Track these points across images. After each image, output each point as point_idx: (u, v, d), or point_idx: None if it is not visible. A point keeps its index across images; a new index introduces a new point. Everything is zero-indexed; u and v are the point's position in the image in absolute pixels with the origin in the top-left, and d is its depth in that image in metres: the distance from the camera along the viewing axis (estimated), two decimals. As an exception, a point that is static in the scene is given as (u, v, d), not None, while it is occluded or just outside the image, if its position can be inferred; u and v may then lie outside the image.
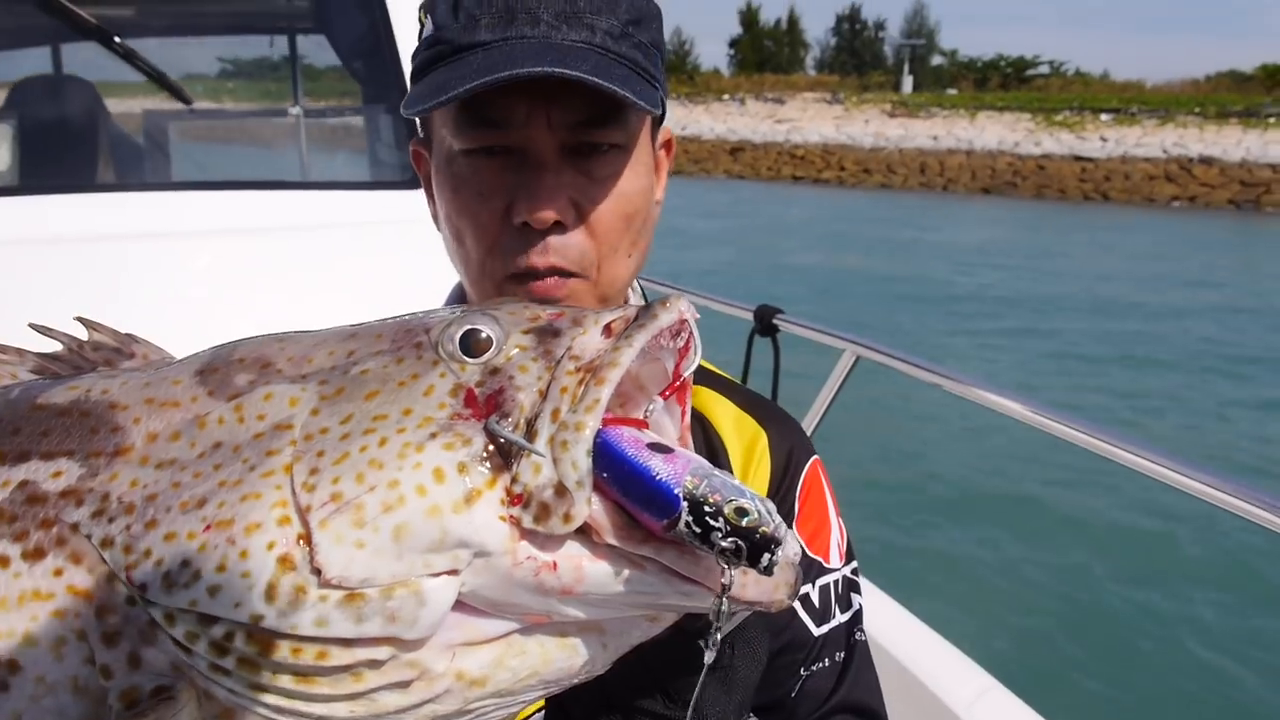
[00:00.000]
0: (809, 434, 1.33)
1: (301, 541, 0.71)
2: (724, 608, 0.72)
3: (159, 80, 3.37)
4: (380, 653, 0.71)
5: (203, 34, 4.38)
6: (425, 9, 1.10)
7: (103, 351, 0.92)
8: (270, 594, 0.70)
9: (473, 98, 0.99)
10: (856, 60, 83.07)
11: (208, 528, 0.72)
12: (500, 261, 1.07)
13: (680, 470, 0.71)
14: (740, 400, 1.24)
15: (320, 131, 4.22)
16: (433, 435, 0.73)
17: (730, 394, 1.24)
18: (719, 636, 0.74)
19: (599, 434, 0.73)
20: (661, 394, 0.80)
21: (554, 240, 1.05)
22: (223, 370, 0.82)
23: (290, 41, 4.16)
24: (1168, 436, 10.04)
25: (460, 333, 0.78)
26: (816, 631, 1.17)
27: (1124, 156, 42.00)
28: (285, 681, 0.71)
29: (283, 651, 0.70)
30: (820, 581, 1.19)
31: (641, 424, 0.79)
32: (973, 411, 2.84)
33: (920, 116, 49.69)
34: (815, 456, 1.24)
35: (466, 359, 0.78)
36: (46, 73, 3.82)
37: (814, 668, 1.18)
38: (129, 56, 3.25)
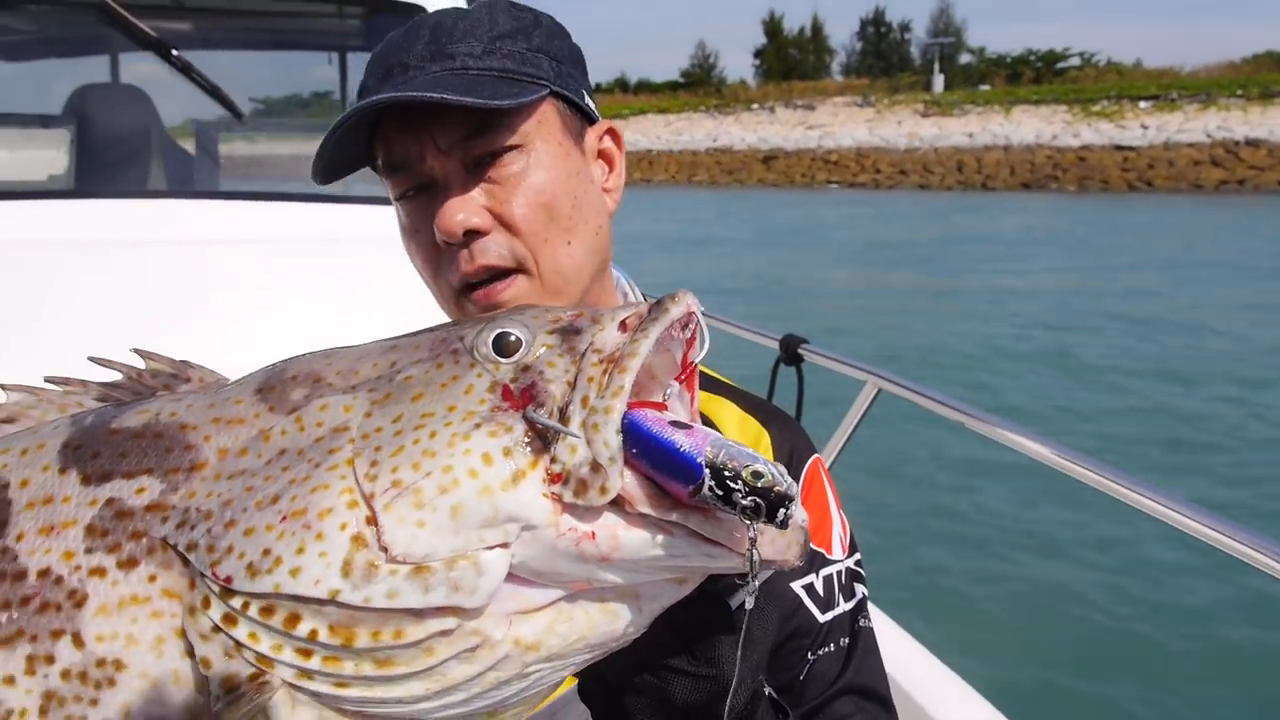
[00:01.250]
0: (829, 463, 1.39)
1: (369, 523, 0.78)
2: (754, 558, 0.79)
3: (213, 94, 3.44)
4: (447, 623, 0.78)
5: (256, 49, 4.46)
6: None
7: (161, 378, 0.99)
8: (346, 569, 0.78)
9: (384, 151, 1.18)
10: (883, 63, 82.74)
11: (284, 518, 0.80)
12: (444, 281, 1.19)
13: (701, 442, 0.79)
14: (743, 403, 1.31)
15: None
16: (477, 425, 0.82)
17: (733, 397, 1.32)
18: (756, 584, 0.83)
19: (625, 414, 0.81)
20: (676, 379, 0.89)
21: (476, 246, 1.15)
22: (279, 387, 0.90)
23: (341, 59, 4.25)
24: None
25: (492, 336, 0.87)
26: (822, 618, 1.24)
27: (1166, 143, 41.36)
28: (367, 669, 0.79)
29: (363, 637, 0.78)
30: (824, 571, 1.26)
31: (661, 406, 0.87)
32: (992, 446, 2.82)
33: (954, 114, 49.34)
34: (816, 454, 1.31)
35: (499, 359, 0.86)
36: (105, 81, 3.93)
37: (820, 652, 1.24)
38: (186, 70, 3.32)
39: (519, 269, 1.17)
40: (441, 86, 1.11)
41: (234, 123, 3.73)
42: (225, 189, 3.89)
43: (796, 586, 1.23)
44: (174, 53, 3.33)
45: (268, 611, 0.79)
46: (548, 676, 0.84)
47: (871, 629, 1.31)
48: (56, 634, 0.83)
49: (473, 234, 1.15)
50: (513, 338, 0.87)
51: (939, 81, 63.38)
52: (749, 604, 0.87)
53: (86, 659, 0.82)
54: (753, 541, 0.79)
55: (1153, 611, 6.89)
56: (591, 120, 1.27)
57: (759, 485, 0.76)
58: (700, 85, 74.73)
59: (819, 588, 1.25)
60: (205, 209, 3.27)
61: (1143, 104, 45.27)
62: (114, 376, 1.00)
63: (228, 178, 4.05)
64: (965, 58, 73.66)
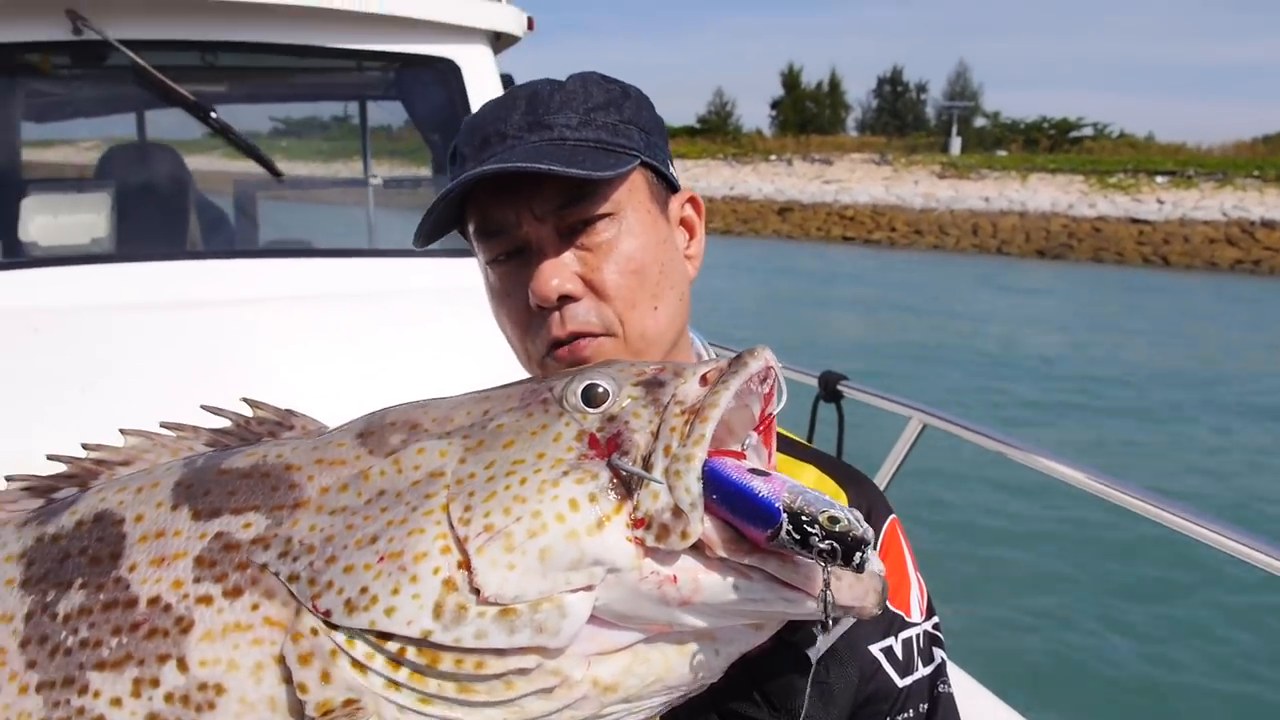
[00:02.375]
0: None
1: (461, 567, 0.83)
2: (830, 599, 0.81)
3: (251, 153, 3.47)
4: (528, 661, 0.82)
5: (285, 100, 4.47)
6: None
7: (266, 425, 1.04)
8: (438, 612, 0.82)
9: (479, 218, 1.21)
10: (898, 121, 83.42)
11: (381, 559, 0.85)
12: (533, 342, 1.21)
13: (778, 488, 0.81)
14: (819, 463, 1.33)
15: (397, 198, 4.34)
16: (565, 472, 0.86)
17: (809, 458, 1.33)
18: (834, 628, 0.85)
19: (706, 463, 0.85)
20: (755, 429, 0.93)
21: (568, 311, 1.18)
22: (379, 432, 0.96)
23: (361, 110, 4.35)
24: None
25: (581, 387, 0.91)
26: (900, 683, 1.23)
27: (1182, 219, 41.37)
28: (449, 690, 0.83)
29: (447, 662, 0.82)
30: (903, 635, 1.25)
31: (740, 455, 0.90)
32: (1037, 479, 2.88)
33: (971, 178, 49.56)
34: (893, 515, 1.31)
35: (587, 409, 0.91)
36: (133, 139, 4.04)
37: (899, 718, 1.23)
38: (224, 131, 3.37)
39: (606, 333, 1.19)
40: (544, 157, 1.14)
41: (272, 182, 3.75)
42: (263, 247, 3.97)
43: (875, 650, 1.22)
44: (212, 114, 3.37)
45: (364, 634, 0.84)
46: (623, 718, 0.87)
47: (951, 694, 1.30)
48: (163, 658, 0.87)
49: (565, 299, 1.18)
50: (600, 389, 0.91)
51: (956, 144, 63.84)
52: (822, 643, 0.90)
53: (189, 683, 0.86)
54: (827, 584, 0.81)
55: (1204, 640, 6.69)
56: (674, 188, 1.31)
57: (835, 530, 0.78)
58: (717, 132, 75.29)
59: (898, 651, 1.24)
60: (243, 268, 3.31)
61: (1159, 179, 45.42)
62: (223, 423, 1.04)
63: (265, 233, 4.08)
64: (980, 121, 74.28)
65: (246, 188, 3.90)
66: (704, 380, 0.91)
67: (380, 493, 0.89)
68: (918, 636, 1.27)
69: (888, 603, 1.21)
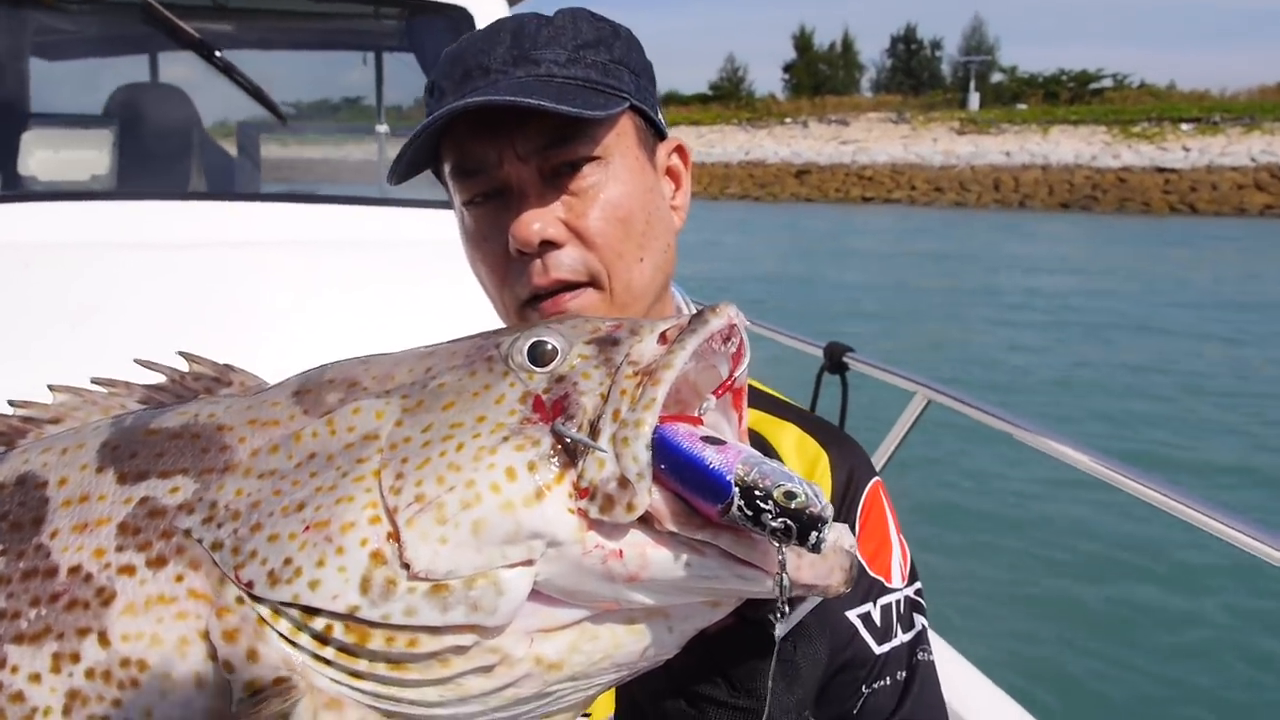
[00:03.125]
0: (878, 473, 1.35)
1: (391, 539, 0.77)
2: (784, 583, 0.76)
3: (256, 95, 3.41)
4: (465, 639, 0.77)
5: (295, 49, 4.43)
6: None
7: (203, 381, 0.98)
8: (364, 586, 0.77)
9: (456, 155, 1.16)
10: (913, 80, 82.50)
11: (307, 528, 0.79)
12: (510, 291, 1.16)
13: (732, 459, 0.76)
14: (801, 422, 1.27)
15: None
16: (504, 439, 0.80)
17: (791, 417, 1.27)
18: (786, 609, 0.79)
19: (656, 429, 0.79)
20: (714, 393, 0.86)
21: (550, 258, 1.13)
22: (315, 390, 0.90)
23: (377, 59, 4.22)
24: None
25: (528, 345, 0.85)
26: (878, 650, 1.19)
27: (1209, 166, 40.75)
28: (380, 669, 0.78)
29: (377, 640, 0.77)
30: (881, 601, 1.21)
31: (696, 420, 0.84)
32: (1042, 461, 2.77)
33: (990, 133, 48.95)
34: (877, 478, 1.27)
35: (534, 368, 0.84)
36: (144, 80, 3.94)
37: (875, 685, 1.19)
38: (228, 70, 3.30)
39: (591, 283, 1.15)
40: (531, 93, 1.09)
41: (275, 124, 3.69)
42: (266, 191, 3.87)
43: (852, 615, 1.19)
44: (217, 54, 3.29)
45: (288, 608, 0.79)
46: (571, 695, 0.83)
47: (932, 662, 1.25)
48: (83, 632, 0.82)
49: (548, 245, 1.13)
50: (548, 346, 0.85)
51: (974, 99, 63.13)
52: (779, 631, 0.85)
53: (111, 658, 0.81)
54: (782, 565, 0.76)
55: (1204, 624, 6.62)
56: (662, 135, 1.25)
57: (791, 506, 0.73)
58: (729, 98, 74.63)
59: (876, 618, 1.21)
60: (246, 211, 3.24)
61: (1184, 126, 44.75)
62: (158, 379, 0.99)
63: (267, 180, 4.01)
64: (997, 77, 73.22)
65: (250, 131, 3.81)
66: (663, 339, 0.85)
67: (311, 455, 0.84)
68: (898, 603, 1.23)
69: (867, 568, 1.23)
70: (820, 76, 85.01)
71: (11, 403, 0.99)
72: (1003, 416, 2.83)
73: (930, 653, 1.26)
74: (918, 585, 1.27)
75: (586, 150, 1.14)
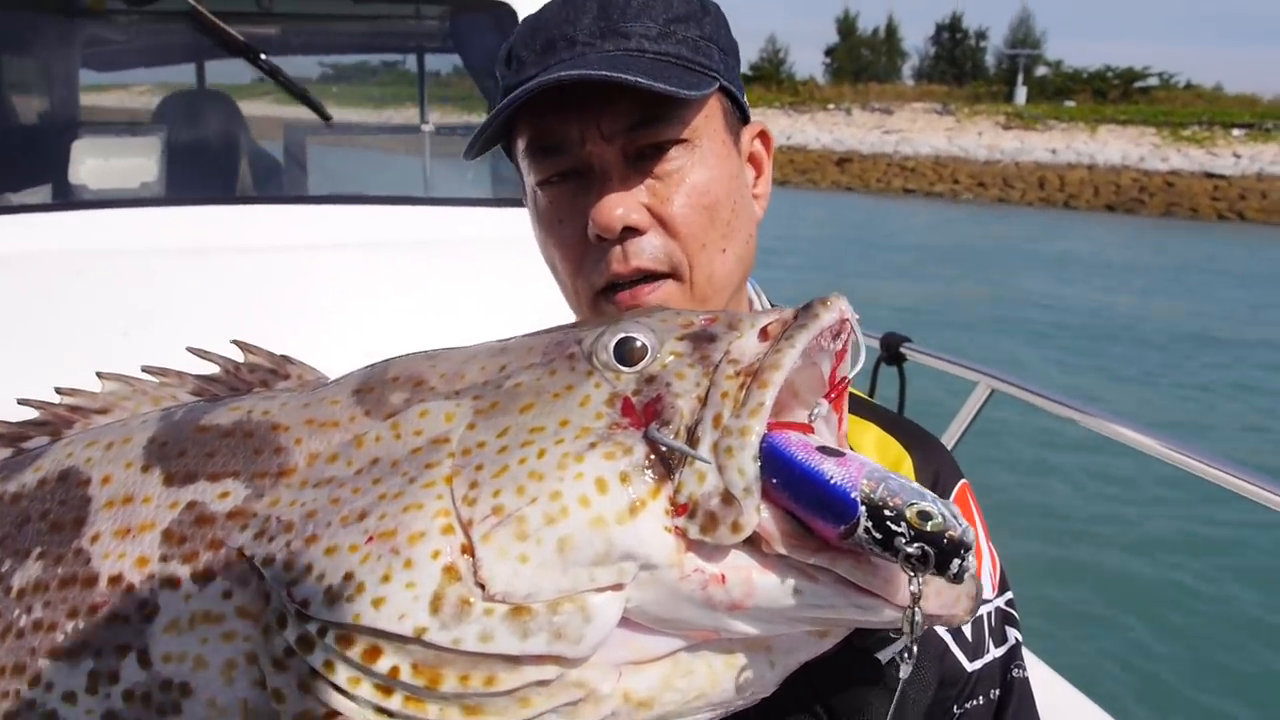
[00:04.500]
0: None
1: (465, 553, 0.70)
2: (917, 619, 0.68)
3: (301, 97, 3.44)
4: (547, 672, 0.70)
5: (340, 51, 4.44)
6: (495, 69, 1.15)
7: (259, 373, 0.93)
8: (435, 605, 0.69)
9: (533, 131, 1.07)
10: (956, 70, 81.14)
11: (370, 539, 0.72)
12: (586, 279, 1.09)
13: (855, 473, 0.68)
14: (881, 421, 1.20)
15: (450, 146, 4.30)
16: (592, 445, 0.73)
17: (870, 415, 1.21)
18: (915, 649, 0.71)
19: (765, 438, 0.71)
20: (825, 396, 0.78)
21: (631, 245, 1.06)
22: (378, 389, 0.83)
23: (419, 60, 4.25)
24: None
25: (614, 341, 0.78)
26: (970, 667, 1.12)
27: (1260, 174, 39.74)
28: (453, 714, 0.70)
29: (449, 681, 0.69)
30: None
31: (806, 429, 0.76)
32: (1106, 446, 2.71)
33: (1037, 129, 48.06)
34: (964, 480, 1.19)
35: (621, 368, 0.77)
36: (191, 87, 4.00)
37: (967, 705, 1.12)
38: (274, 74, 3.33)
39: (672, 274, 1.08)
40: (624, 68, 1.01)
41: (322, 126, 3.67)
42: (314, 193, 3.90)
43: (941, 630, 1.10)
44: (262, 57, 3.31)
45: (346, 641, 0.70)
46: None
47: (1027, 679, 1.17)
48: (122, 650, 0.76)
49: (630, 231, 1.06)
50: (638, 343, 0.78)
51: (1021, 93, 61.99)
52: (904, 671, 0.74)
53: (151, 680, 0.75)
54: (916, 597, 0.68)
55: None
56: (746, 119, 1.18)
57: (927, 529, 0.65)
58: (769, 79, 73.82)
59: (967, 632, 1.13)
60: (295, 213, 3.26)
61: (1235, 131, 43.68)
62: (211, 369, 0.93)
63: (315, 181, 4.02)
64: (1041, 70, 71.86)
65: (296, 133, 3.83)
66: (764, 334, 0.78)
67: (374, 461, 0.77)
68: (989, 615, 1.15)
69: None
70: (862, 61, 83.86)
71: (59, 390, 0.94)
72: (1068, 403, 2.75)
73: (1025, 669, 1.18)
74: (1009, 595, 1.19)
75: (675, 132, 1.07)
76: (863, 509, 0.66)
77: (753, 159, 1.19)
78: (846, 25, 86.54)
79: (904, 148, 48.90)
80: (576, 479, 0.71)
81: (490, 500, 0.72)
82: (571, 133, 1.06)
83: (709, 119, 1.10)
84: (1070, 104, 57.41)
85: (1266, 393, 13.15)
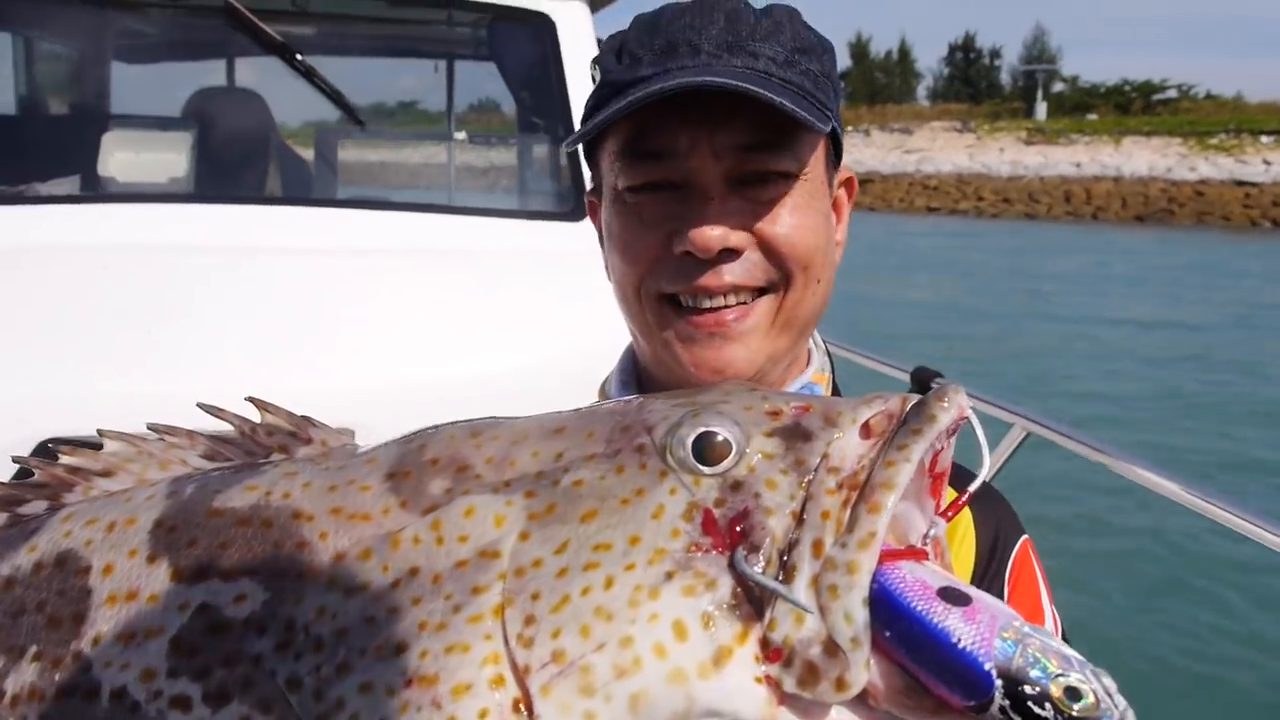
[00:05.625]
0: None
1: (519, 709, 0.62)
2: None
3: (334, 99, 3.42)
4: None
5: (373, 55, 4.45)
6: (595, 62, 1.11)
7: (277, 436, 0.83)
8: None
9: (635, 132, 1.03)
10: (971, 89, 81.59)
11: (409, 683, 0.63)
12: (656, 281, 1.05)
13: (987, 634, 0.58)
14: None
15: (478, 159, 4.31)
16: (669, 575, 0.63)
17: None
18: None
19: (876, 576, 0.61)
20: (943, 515, 0.69)
21: (726, 265, 1.02)
22: (415, 475, 0.74)
23: (449, 68, 4.23)
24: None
25: (693, 436, 0.68)
26: None
27: (1292, 180, 39.30)
28: None
29: None
30: None
31: (920, 555, 0.65)
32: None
33: (1059, 143, 47.94)
34: (1025, 536, 1.15)
35: (701, 468, 0.67)
36: (222, 85, 3.98)
37: None
38: (309, 74, 3.30)
39: (767, 288, 1.05)
40: (759, 86, 0.97)
41: (353, 129, 3.66)
42: (343, 197, 3.87)
43: None
44: (298, 57, 3.27)
45: None
46: None
47: None
48: None
49: (728, 254, 1.02)
50: (719, 439, 0.67)
51: (1041, 108, 62.03)
52: None
53: None
54: None
55: None
56: (838, 163, 1.16)
57: (1076, 714, 0.55)
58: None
59: None
60: (321, 217, 3.21)
61: (1264, 139, 43.34)
62: (224, 428, 0.85)
63: (345, 183, 4.01)
64: (1058, 86, 71.94)
65: (327, 136, 3.79)
66: (866, 430, 0.68)
67: (413, 572, 0.68)
68: None
69: None
70: (876, 85, 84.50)
71: (58, 450, 0.85)
72: (1102, 448, 2.66)
73: None
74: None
75: (785, 164, 1.03)
76: (999, 685, 0.57)
77: (835, 204, 1.15)
78: (859, 49, 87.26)
79: (925, 166, 48.91)
80: (651, 621, 0.62)
81: (550, 643, 0.63)
82: (680, 142, 1.02)
83: (817, 157, 1.07)
84: (1092, 117, 57.28)
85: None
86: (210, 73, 4.01)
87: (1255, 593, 7.10)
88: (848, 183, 1.17)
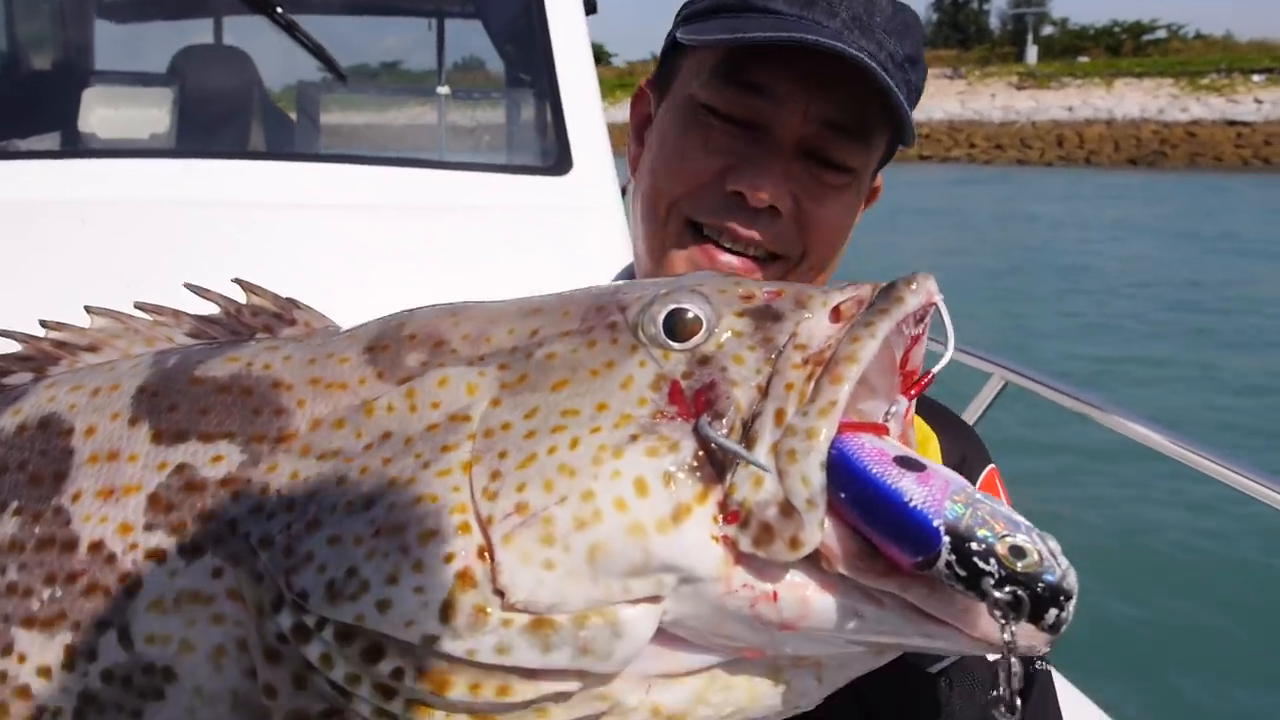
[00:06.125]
0: None
1: (483, 556, 0.63)
2: (1012, 669, 0.61)
3: (316, 53, 3.39)
4: (568, 685, 0.64)
5: (360, 13, 4.40)
6: None
7: (262, 316, 0.85)
8: (447, 613, 0.63)
9: (744, 58, 1.03)
10: (960, 34, 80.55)
11: (377, 532, 0.65)
12: (693, 206, 1.06)
13: (939, 495, 0.60)
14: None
15: (464, 116, 4.23)
16: (633, 437, 0.65)
17: None
18: (1017, 704, 0.62)
19: (834, 443, 0.63)
20: (905, 393, 0.70)
21: (763, 220, 1.05)
22: (393, 348, 0.76)
23: (439, 24, 4.17)
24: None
25: (664, 313, 0.69)
26: (991, 657, 0.99)
27: (1284, 118, 39.07)
28: None
29: (459, 689, 0.63)
30: None
31: (880, 430, 0.67)
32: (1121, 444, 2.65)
33: (1051, 87, 47.57)
34: (992, 465, 1.16)
35: (671, 344, 0.69)
36: (208, 42, 3.93)
37: (991, 694, 0.99)
38: (290, 28, 3.27)
39: (781, 257, 1.08)
40: (889, 79, 1.00)
41: (336, 84, 3.63)
42: (325, 151, 3.79)
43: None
44: (278, 10, 3.23)
45: (345, 638, 0.64)
46: None
47: (1049, 672, 1.19)
48: (102, 625, 0.70)
49: (772, 211, 1.04)
50: (690, 315, 0.69)
51: (1032, 53, 61.43)
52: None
53: (133, 662, 0.69)
54: (1011, 647, 0.59)
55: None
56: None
57: (1019, 569, 0.57)
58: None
59: None
60: (305, 171, 3.16)
61: (1255, 78, 43.05)
62: (211, 310, 0.86)
63: (328, 142, 3.94)
64: (1047, 30, 71.18)
65: (309, 90, 3.76)
66: (836, 314, 0.69)
67: (385, 435, 0.70)
68: None
69: None
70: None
71: (44, 324, 0.87)
72: (1082, 397, 2.67)
73: (1048, 661, 1.16)
74: None
75: (855, 158, 1.07)
76: (946, 540, 0.58)
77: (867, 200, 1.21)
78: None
79: (917, 115, 47.75)
80: (613, 477, 0.63)
81: (514, 496, 0.64)
82: (781, 88, 1.03)
83: (874, 160, 1.12)
84: (1084, 60, 56.76)
85: None
86: (199, 33, 3.98)
87: (1237, 540, 7.21)
88: (876, 191, 1.21)
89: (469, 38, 4.24)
